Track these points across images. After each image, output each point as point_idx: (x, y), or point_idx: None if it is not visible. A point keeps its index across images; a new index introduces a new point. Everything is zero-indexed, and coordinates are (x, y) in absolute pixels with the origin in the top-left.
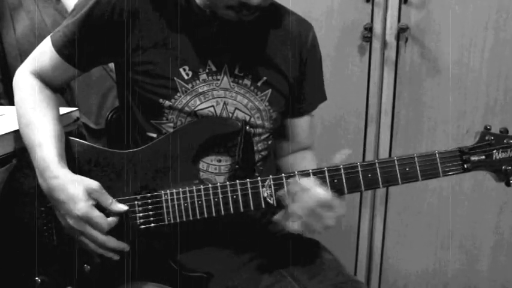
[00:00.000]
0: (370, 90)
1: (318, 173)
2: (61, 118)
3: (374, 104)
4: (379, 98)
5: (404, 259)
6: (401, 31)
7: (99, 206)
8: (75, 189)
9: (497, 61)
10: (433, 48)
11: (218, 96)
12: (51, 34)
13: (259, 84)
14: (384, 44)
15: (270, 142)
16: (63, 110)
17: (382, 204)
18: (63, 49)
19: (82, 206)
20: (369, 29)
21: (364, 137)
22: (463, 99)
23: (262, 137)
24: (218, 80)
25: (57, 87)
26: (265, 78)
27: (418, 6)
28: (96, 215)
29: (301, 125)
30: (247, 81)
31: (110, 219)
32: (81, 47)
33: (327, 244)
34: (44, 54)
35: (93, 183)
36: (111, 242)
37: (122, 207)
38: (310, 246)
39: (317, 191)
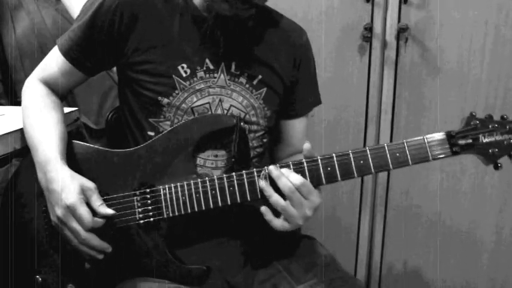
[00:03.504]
0: (370, 90)
1: (311, 162)
2: (65, 120)
3: (374, 104)
4: (379, 98)
5: (404, 259)
6: (401, 31)
7: (90, 208)
8: (71, 183)
9: (497, 61)
10: (433, 48)
11: (214, 94)
12: (58, 39)
13: (254, 82)
14: (384, 44)
15: (265, 140)
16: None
17: (382, 204)
18: (69, 52)
19: (72, 196)
20: (369, 29)
21: (364, 137)
22: (463, 99)
23: (257, 134)
24: (215, 77)
25: (63, 94)
26: (260, 76)
27: (418, 6)
28: (83, 208)
29: (295, 127)
30: (243, 79)
31: (96, 218)
32: (86, 51)
33: (327, 244)
34: (51, 60)
35: (89, 183)
36: (93, 240)
37: (109, 211)
38: (306, 241)
39: (292, 176)
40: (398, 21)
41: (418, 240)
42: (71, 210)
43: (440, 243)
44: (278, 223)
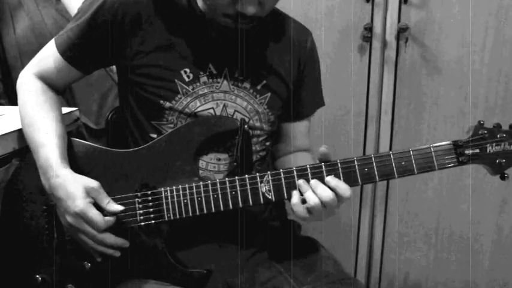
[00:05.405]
0: (370, 90)
1: (315, 168)
2: (63, 118)
3: (374, 104)
4: (379, 98)
5: (404, 259)
6: (402, 31)
7: (98, 206)
8: (74, 188)
9: (497, 61)
10: (433, 48)
11: (218, 99)
12: (55, 37)
13: (258, 87)
14: (384, 44)
15: (267, 144)
16: (63, 110)
17: (382, 204)
18: (66, 51)
19: (79, 203)
20: (369, 29)
21: (364, 137)
22: (463, 99)
23: (261, 139)
24: (218, 82)
25: (60, 89)
26: (264, 81)
27: (418, 6)
28: (93, 212)
29: (299, 128)
30: (246, 84)
31: (107, 218)
32: (84, 50)
33: (326, 244)
34: (47, 56)
35: (93, 182)
36: (109, 238)
37: (118, 207)
38: (308, 242)
39: (343, 186)
40: (399, 21)
41: (418, 239)
42: (81, 216)
43: (440, 242)
44: (303, 213)
